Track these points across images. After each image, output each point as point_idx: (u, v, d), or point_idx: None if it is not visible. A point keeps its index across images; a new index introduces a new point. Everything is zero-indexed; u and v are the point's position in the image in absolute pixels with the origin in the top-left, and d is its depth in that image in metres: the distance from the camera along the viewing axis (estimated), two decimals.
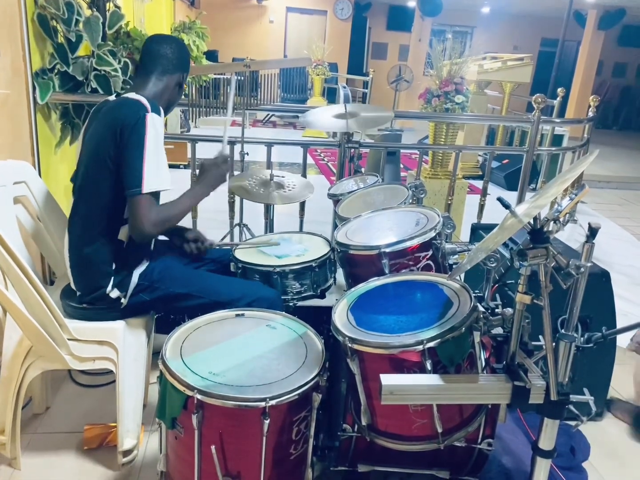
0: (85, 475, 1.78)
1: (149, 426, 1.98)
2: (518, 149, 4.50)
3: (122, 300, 1.70)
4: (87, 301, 1.72)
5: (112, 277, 1.68)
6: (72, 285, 1.74)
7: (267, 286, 1.84)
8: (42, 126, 2.56)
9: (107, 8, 2.77)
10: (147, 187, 1.54)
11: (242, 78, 2.84)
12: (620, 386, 2.49)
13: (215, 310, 1.63)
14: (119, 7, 2.84)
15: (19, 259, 1.54)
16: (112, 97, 1.75)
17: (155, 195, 1.60)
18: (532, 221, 1.11)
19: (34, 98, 2.43)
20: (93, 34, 2.56)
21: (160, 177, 1.58)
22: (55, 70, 2.51)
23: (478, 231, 2.58)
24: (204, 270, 1.96)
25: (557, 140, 6.34)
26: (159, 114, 1.62)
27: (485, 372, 1.33)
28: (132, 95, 1.66)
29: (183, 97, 2.38)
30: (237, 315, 1.61)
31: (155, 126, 1.58)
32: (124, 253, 1.69)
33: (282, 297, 1.86)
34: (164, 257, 1.89)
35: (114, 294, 1.69)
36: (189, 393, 1.25)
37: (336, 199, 2.31)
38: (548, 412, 1.19)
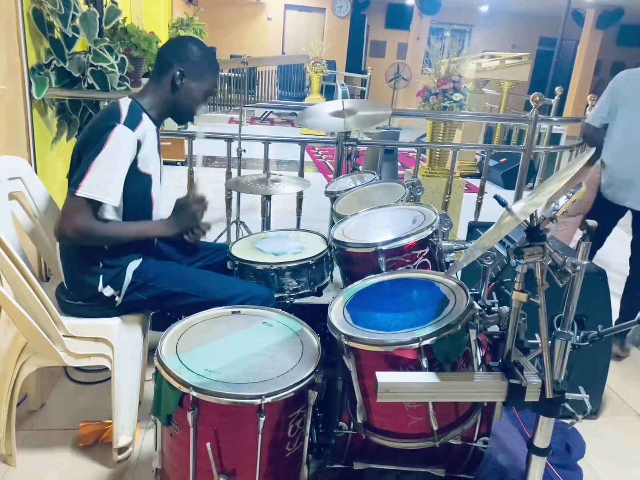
0: (80, 472, 1.78)
1: (145, 423, 1.98)
2: (516, 147, 4.52)
3: (117, 298, 1.69)
4: (82, 299, 1.71)
5: (101, 275, 1.67)
6: (65, 285, 1.73)
7: (262, 285, 1.84)
8: (38, 122, 2.55)
9: (104, 4, 2.76)
10: (83, 191, 1.50)
11: (241, 75, 2.84)
12: (616, 384, 2.50)
13: (209, 308, 1.62)
14: (115, 3, 2.84)
15: (14, 255, 1.53)
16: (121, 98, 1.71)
17: (93, 203, 1.54)
18: (528, 219, 1.11)
19: (30, 94, 2.42)
20: (90, 29, 2.55)
21: (103, 189, 1.53)
22: (52, 66, 2.50)
23: (475, 229, 2.58)
24: (199, 268, 1.95)
25: (554, 139, 6.36)
26: (133, 128, 1.57)
27: (481, 370, 1.33)
28: (123, 100, 1.65)
29: None
30: (233, 312, 1.61)
31: (119, 139, 1.54)
32: (110, 251, 1.67)
33: (279, 295, 1.86)
34: (159, 254, 1.88)
35: (108, 292, 1.68)
36: (185, 390, 1.25)
37: (333, 197, 2.31)
38: (543, 410, 1.19)
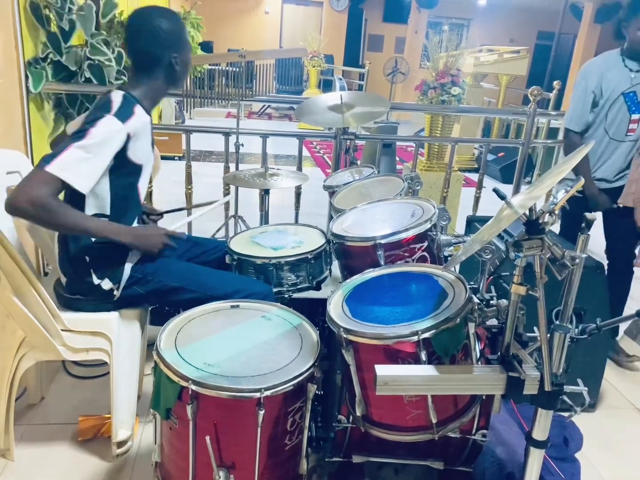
0: (79, 467, 1.78)
1: (144, 417, 1.98)
2: (514, 141, 4.51)
3: (115, 292, 1.69)
4: (80, 293, 1.70)
5: (100, 269, 1.66)
6: (63, 279, 1.72)
7: (261, 281, 1.84)
8: (34, 116, 2.54)
9: None
10: (54, 168, 1.42)
11: (238, 69, 2.82)
12: (614, 378, 2.51)
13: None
14: None
15: (12, 249, 1.53)
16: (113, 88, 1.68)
17: (59, 184, 1.44)
18: (527, 212, 1.11)
19: (27, 87, 2.41)
20: (86, 23, 2.54)
21: (74, 172, 1.45)
22: (48, 60, 2.48)
23: (473, 223, 2.58)
24: (198, 263, 1.94)
25: (552, 133, 6.35)
26: (124, 121, 1.53)
27: (479, 363, 1.34)
28: (114, 92, 1.62)
29: None
30: (232, 306, 1.61)
31: (103, 130, 1.49)
32: (109, 245, 1.63)
33: (278, 289, 1.85)
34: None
35: (106, 285, 1.67)
36: (184, 384, 1.25)
37: (332, 191, 2.31)
38: (542, 403, 1.19)
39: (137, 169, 1.66)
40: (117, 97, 1.60)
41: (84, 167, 1.48)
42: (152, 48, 1.66)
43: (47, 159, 1.44)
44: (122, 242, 1.61)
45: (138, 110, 1.62)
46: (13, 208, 1.44)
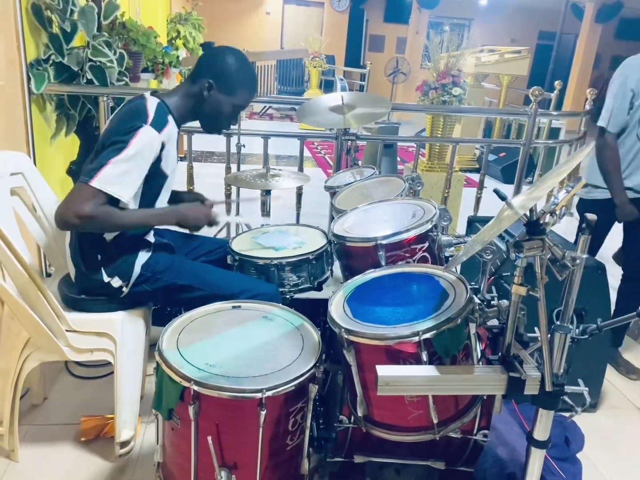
0: (82, 467, 1.79)
1: (146, 418, 1.99)
2: (515, 141, 4.51)
3: (124, 289, 1.70)
4: (89, 290, 1.71)
5: (111, 267, 1.67)
6: (73, 277, 1.73)
7: (268, 282, 1.84)
8: (37, 117, 2.54)
9: None
10: (99, 183, 1.48)
11: None
12: (615, 377, 2.51)
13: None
14: None
15: (17, 250, 1.54)
16: (147, 94, 1.70)
17: (104, 196, 1.50)
18: (528, 213, 1.11)
19: (29, 89, 2.42)
20: (88, 24, 2.55)
21: (119, 185, 1.51)
22: (50, 61, 2.49)
23: (474, 224, 2.58)
24: (203, 262, 1.95)
25: (553, 133, 6.35)
26: (159, 130, 1.57)
27: (480, 363, 1.34)
28: (150, 98, 1.65)
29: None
30: (234, 307, 1.61)
31: (143, 141, 1.53)
32: (120, 244, 1.67)
33: (279, 289, 1.86)
34: (168, 247, 1.87)
35: (116, 283, 1.68)
36: (186, 384, 1.25)
37: (333, 192, 2.31)
38: (543, 403, 1.20)
39: (163, 180, 1.69)
40: (152, 104, 1.62)
41: (126, 179, 1.52)
42: (203, 66, 1.71)
43: (89, 174, 1.49)
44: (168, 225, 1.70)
45: (170, 119, 1.66)
46: (63, 223, 1.52)
